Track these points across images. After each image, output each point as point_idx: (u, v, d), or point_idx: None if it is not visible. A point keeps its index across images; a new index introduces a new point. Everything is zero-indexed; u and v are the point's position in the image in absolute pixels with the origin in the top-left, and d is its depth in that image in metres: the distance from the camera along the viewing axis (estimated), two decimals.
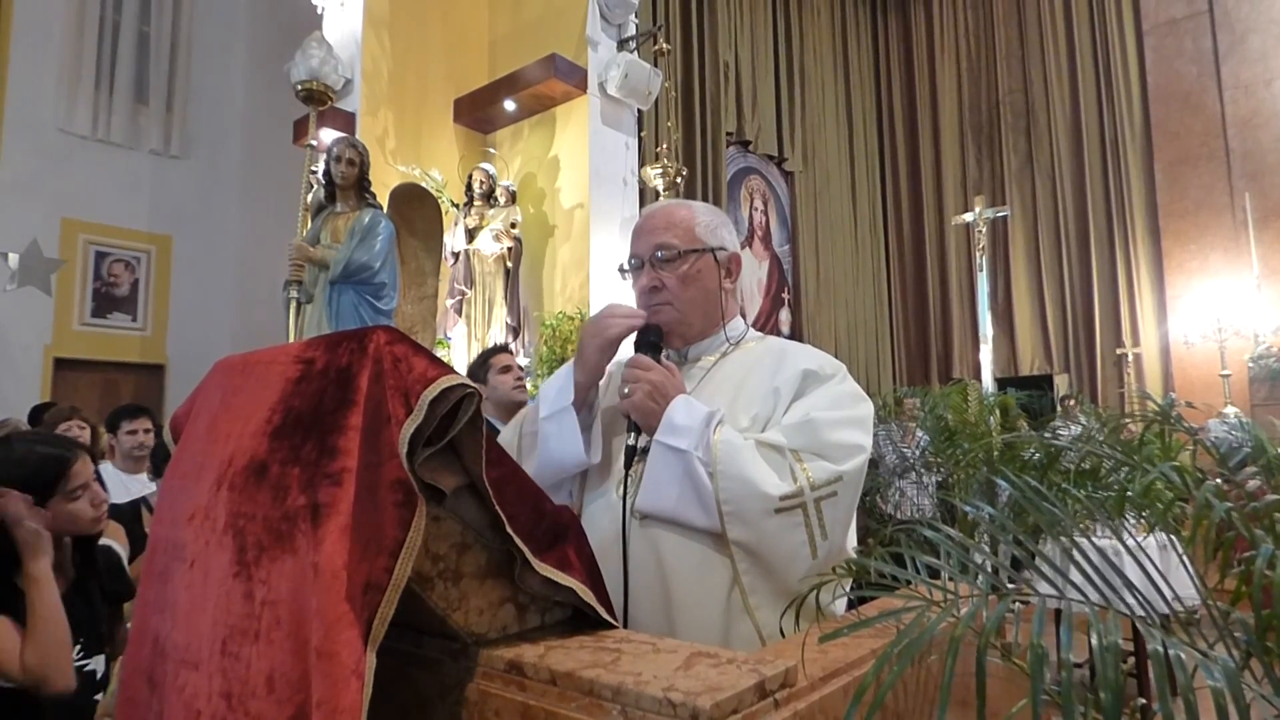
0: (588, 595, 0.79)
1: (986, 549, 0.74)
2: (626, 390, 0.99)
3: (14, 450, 1.29)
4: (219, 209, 6.63)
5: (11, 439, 1.37)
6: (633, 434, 0.98)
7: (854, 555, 0.96)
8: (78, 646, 1.30)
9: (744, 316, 1.20)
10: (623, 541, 0.94)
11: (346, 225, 3.32)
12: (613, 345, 1.05)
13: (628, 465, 0.97)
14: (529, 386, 4.45)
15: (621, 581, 0.94)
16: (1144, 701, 2.30)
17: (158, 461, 2.75)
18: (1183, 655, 0.45)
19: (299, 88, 3.53)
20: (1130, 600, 0.62)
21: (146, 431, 2.87)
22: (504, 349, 2.86)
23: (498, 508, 0.72)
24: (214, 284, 6.52)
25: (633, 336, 1.08)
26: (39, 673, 1.18)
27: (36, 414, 3.60)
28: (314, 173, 3.53)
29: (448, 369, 0.69)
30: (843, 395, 1.01)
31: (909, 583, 0.69)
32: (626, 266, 1.13)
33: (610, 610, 0.83)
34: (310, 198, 3.46)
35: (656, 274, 1.08)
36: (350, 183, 3.38)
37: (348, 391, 0.68)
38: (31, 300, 5.58)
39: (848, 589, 0.93)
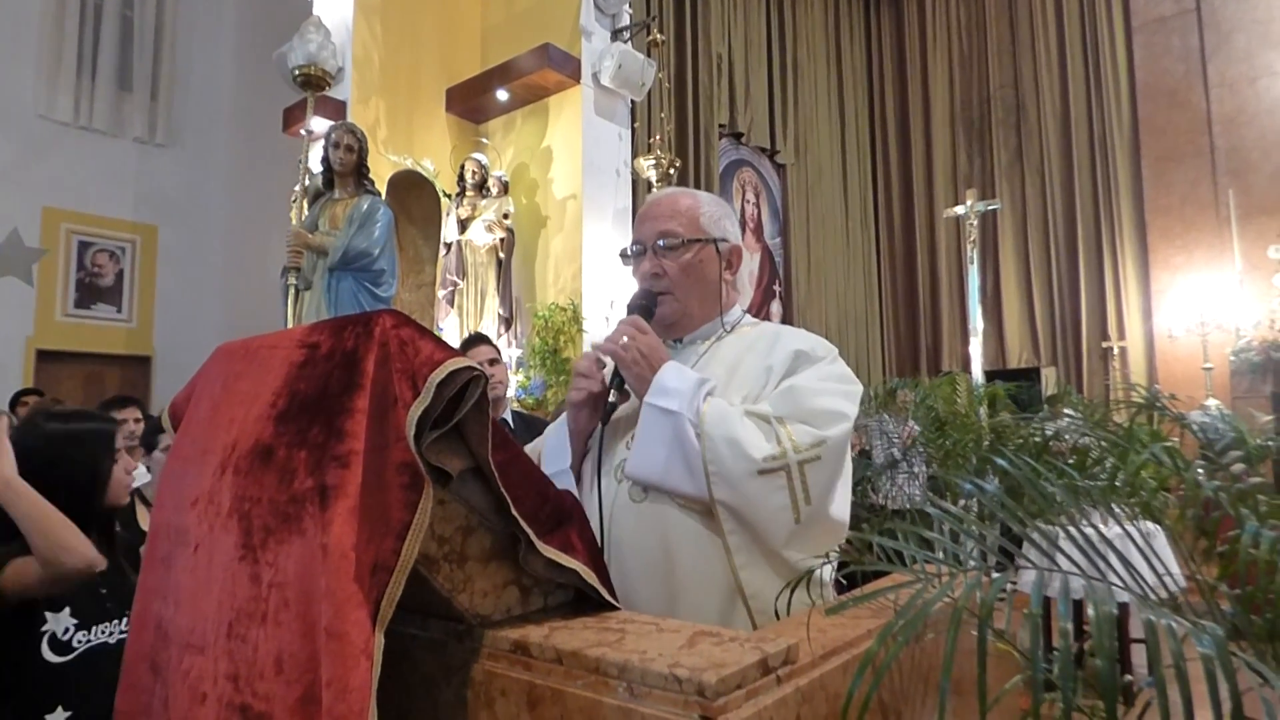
0: (591, 577, 0.80)
1: (980, 530, 0.76)
2: (624, 340, 1.00)
3: (70, 418, 1.40)
4: (205, 198, 6.52)
5: (56, 413, 1.45)
6: (614, 391, 1.00)
7: (843, 525, 0.98)
8: (124, 619, 1.31)
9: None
10: (600, 515, 0.96)
11: (345, 212, 3.28)
12: (583, 406, 1.03)
13: (604, 420, 1.00)
14: (521, 378, 4.45)
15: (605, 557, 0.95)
16: (1129, 679, 2.36)
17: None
18: (1174, 625, 0.47)
19: (297, 73, 3.45)
20: (1125, 575, 0.64)
21: (137, 421, 2.84)
22: (483, 340, 2.68)
23: (503, 490, 0.72)
24: (201, 275, 6.43)
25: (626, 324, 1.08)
26: (52, 554, 1.16)
27: (16, 401, 3.56)
28: (302, 161, 3.48)
29: (454, 352, 0.69)
30: (831, 375, 1.03)
31: (902, 559, 0.70)
32: (629, 252, 1.14)
33: (613, 593, 0.84)
34: (308, 184, 3.41)
35: (659, 261, 1.09)
36: (349, 169, 3.34)
37: (354, 375, 0.68)
38: (12, 290, 5.48)
39: (834, 560, 0.94)
